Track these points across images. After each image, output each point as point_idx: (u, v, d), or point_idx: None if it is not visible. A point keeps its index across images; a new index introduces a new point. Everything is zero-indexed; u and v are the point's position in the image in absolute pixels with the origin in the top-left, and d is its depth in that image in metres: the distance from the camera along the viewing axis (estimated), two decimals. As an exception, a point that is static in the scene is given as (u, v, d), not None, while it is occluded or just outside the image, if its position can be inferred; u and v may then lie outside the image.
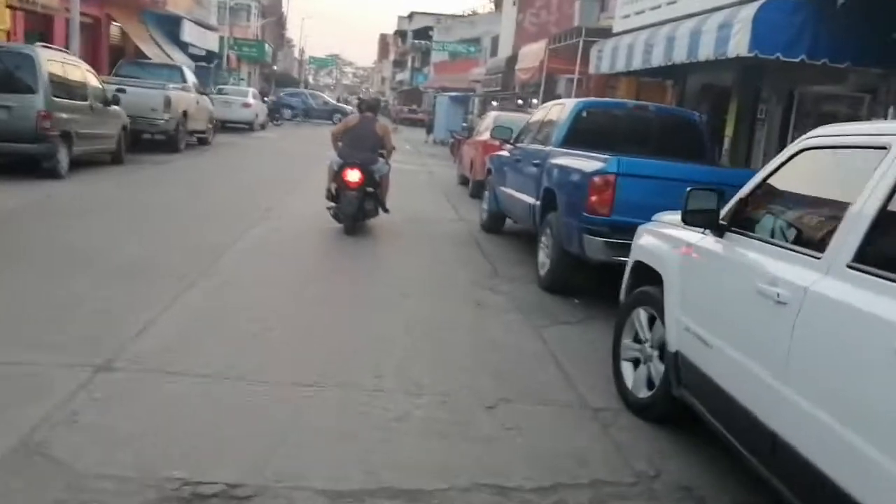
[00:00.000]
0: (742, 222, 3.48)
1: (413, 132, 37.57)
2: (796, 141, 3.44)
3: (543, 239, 7.14)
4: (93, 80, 11.99)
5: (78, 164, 11.27)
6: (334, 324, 5.34)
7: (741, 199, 3.57)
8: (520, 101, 24.79)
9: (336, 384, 4.03)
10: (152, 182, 11.77)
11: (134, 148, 14.55)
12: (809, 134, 3.34)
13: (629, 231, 4.85)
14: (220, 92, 26.64)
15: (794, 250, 2.94)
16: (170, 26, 28.09)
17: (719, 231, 3.55)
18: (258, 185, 12.53)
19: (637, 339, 4.27)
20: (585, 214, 6.04)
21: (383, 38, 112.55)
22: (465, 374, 4.44)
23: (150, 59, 22.63)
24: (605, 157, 6.14)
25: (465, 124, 24.47)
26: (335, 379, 4.10)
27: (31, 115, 9.97)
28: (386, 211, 9.07)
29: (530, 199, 7.69)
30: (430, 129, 34.19)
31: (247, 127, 26.27)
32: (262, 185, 12.47)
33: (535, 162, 7.69)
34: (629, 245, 4.72)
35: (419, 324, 5.43)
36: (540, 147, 7.89)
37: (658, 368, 3.98)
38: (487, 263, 7.95)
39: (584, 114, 7.80)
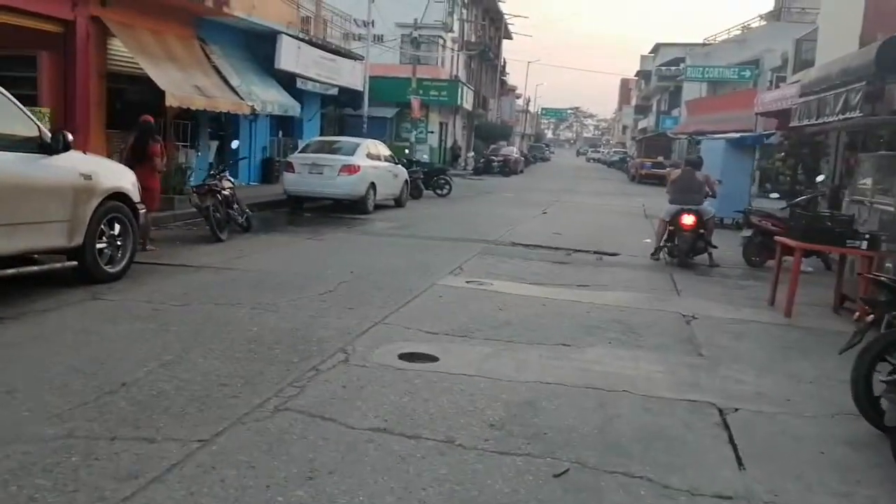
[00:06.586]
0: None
1: (657, 197, 23.17)
2: None
3: None
4: None
5: None
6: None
7: None
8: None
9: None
10: None
11: None
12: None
13: None
14: (304, 149, 15.53)
15: None
16: (264, 48, 17.83)
17: None
18: None
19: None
20: None
21: (624, 83, 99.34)
22: None
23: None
24: None
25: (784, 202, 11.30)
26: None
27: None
28: (714, 247, 10.81)
29: None
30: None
31: (350, 204, 14.80)
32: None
33: None
34: None
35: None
36: None
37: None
38: None
39: None
